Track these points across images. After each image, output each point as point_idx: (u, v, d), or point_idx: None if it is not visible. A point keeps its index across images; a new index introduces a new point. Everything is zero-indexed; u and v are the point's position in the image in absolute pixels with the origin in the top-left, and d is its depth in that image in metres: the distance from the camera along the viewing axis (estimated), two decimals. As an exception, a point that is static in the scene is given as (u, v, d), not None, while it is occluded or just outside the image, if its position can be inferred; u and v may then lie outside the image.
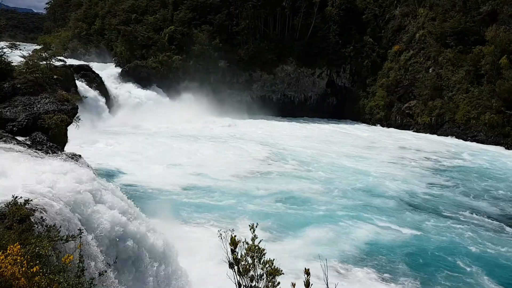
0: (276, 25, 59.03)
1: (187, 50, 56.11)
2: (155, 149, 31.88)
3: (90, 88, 40.74)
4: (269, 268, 4.74)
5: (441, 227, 19.91)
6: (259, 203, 21.61)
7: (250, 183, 24.68)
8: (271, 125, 49.69)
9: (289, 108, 58.94)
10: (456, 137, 46.61)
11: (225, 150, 33.87)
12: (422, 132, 49.72)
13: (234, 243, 4.71)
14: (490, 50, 45.97)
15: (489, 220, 21.18)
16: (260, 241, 5.01)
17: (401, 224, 19.88)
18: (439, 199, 24.44)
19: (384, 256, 16.69)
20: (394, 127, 52.94)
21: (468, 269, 15.96)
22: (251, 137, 40.71)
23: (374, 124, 54.80)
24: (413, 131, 50.68)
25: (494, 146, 42.93)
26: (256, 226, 5.04)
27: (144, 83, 52.19)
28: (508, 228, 20.17)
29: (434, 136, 47.89)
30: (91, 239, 8.98)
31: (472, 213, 21.85)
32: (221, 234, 4.72)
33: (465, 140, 45.55)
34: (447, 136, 47.41)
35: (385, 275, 15.33)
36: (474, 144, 43.93)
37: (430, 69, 52.26)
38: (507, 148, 42.46)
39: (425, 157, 36.02)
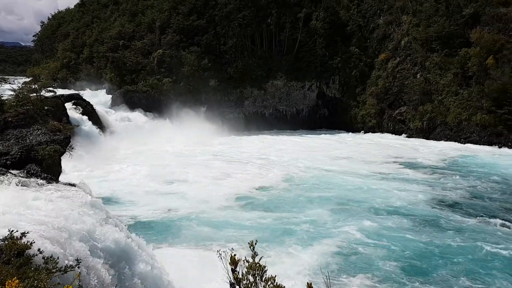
0: (263, 42, 59.68)
1: (177, 72, 56.45)
2: (159, 172, 31.18)
3: (82, 116, 40.61)
4: (271, 285, 4.69)
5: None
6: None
7: (257, 211, 23.19)
8: (273, 141, 48.68)
9: (282, 122, 59.31)
10: (449, 140, 46.88)
11: (231, 170, 33.04)
12: (415, 137, 49.96)
13: (234, 262, 4.66)
14: (476, 51, 46.62)
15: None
16: (261, 258, 4.95)
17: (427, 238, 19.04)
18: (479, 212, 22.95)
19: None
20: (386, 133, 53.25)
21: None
22: (258, 156, 39.67)
23: (367, 132, 54.98)
24: (406, 136, 50.97)
25: (488, 147, 43.18)
26: (256, 243, 5.00)
27: (135, 107, 52.35)
28: None
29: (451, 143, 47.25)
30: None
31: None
32: (220, 254, 4.67)
33: (459, 142, 45.87)
34: (440, 140, 47.69)
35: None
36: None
37: (418, 74, 52.80)
38: (500, 147, 42.86)
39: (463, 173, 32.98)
